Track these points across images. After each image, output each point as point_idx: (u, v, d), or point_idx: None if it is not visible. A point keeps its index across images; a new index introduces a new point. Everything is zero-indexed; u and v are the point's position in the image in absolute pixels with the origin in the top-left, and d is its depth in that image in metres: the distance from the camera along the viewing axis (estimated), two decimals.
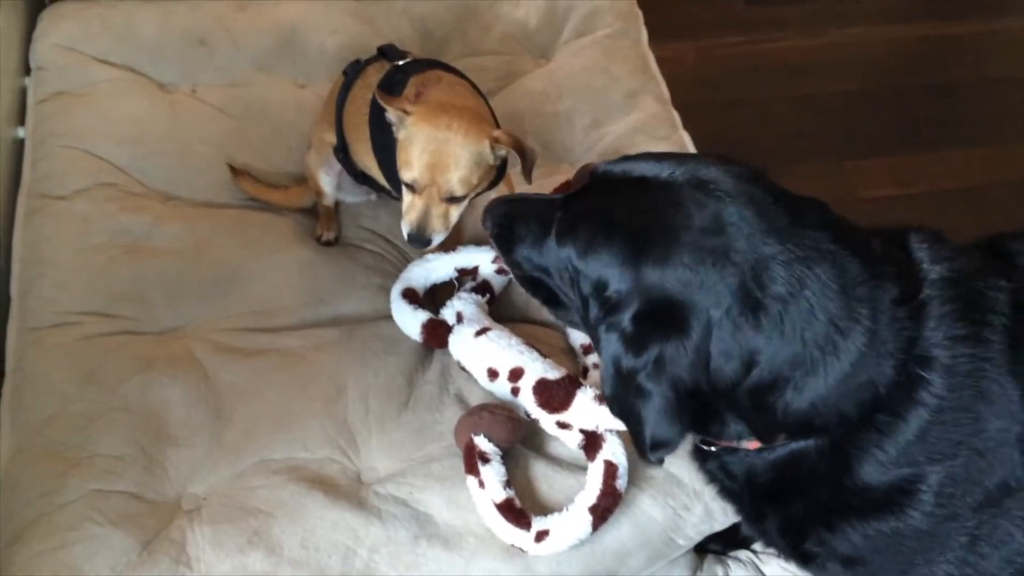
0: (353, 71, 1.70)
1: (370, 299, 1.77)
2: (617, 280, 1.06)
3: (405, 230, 1.49)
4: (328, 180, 1.82)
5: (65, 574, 1.34)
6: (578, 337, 1.67)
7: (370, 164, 1.65)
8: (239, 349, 1.63)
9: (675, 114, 2.19)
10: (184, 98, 2.05)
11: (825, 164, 2.73)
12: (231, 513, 1.42)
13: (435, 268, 1.75)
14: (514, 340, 1.57)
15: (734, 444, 1.15)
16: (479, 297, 1.71)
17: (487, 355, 1.56)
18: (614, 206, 1.10)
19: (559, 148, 2.09)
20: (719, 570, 1.62)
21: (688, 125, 2.15)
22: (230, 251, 1.78)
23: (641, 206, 1.08)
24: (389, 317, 1.70)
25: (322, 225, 1.88)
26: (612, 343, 1.05)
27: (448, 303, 1.69)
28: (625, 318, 1.04)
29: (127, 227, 1.78)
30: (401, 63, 1.61)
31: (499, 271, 1.75)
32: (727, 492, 1.26)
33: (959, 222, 2.52)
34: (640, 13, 2.43)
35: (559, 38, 2.34)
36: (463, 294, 1.71)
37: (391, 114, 1.47)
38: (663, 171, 1.08)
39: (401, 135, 1.47)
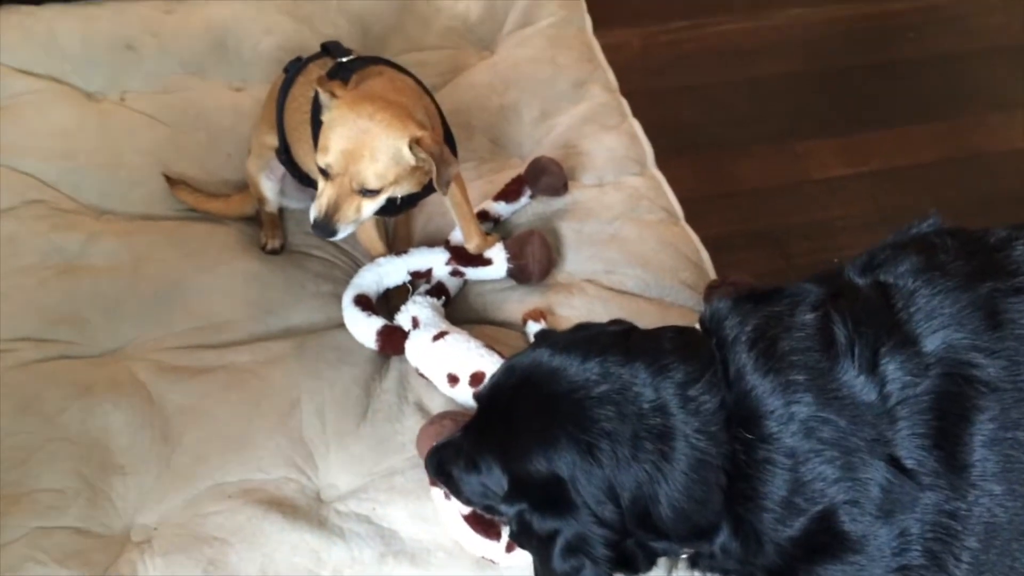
0: (294, 69, 1.64)
1: (321, 308, 1.70)
2: (497, 483, 1.19)
3: (312, 215, 1.42)
4: (270, 185, 1.75)
5: None
6: None
7: (312, 166, 1.58)
8: (184, 368, 1.56)
9: (624, 102, 2.15)
10: (113, 107, 1.96)
11: (776, 147, 2.72)
12: (184, 542, 1.34)
13: (387, 272, 1.69)
14: (473, 343, 1.52)
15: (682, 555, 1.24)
16: (434, 300, 1.66)
17: (446, 360, 1.51)
18: (485, 425, 1.24)
19: (508, 142, 2.04)
20: None
21: (637, 113, 2.12)
22: (170, 265, 1.70)
23: (496, 415, 1.22)
24: (342, 326, 1.64)
25: (266, 233, 1.81)
26: (530, 549, 1.20)
27: (403, 308, 1.63)
28: (525, 505, 1.17)
29: (59, 245, 1.69)
30: (345, 60, 1.55)
31: (454, 273, 1.70)
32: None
33: (913, 198, 2.58)
34: (583, 1, 2.39)
35: (501, 29, 2.29)
36: (418, 298, 1.65)
37: (322, 95, 1.41)
38: (505, 380, 1.23)
39: (325, 117, 1.41)
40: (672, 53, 3.00)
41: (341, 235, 1.43)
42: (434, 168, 1.41)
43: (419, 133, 1.40)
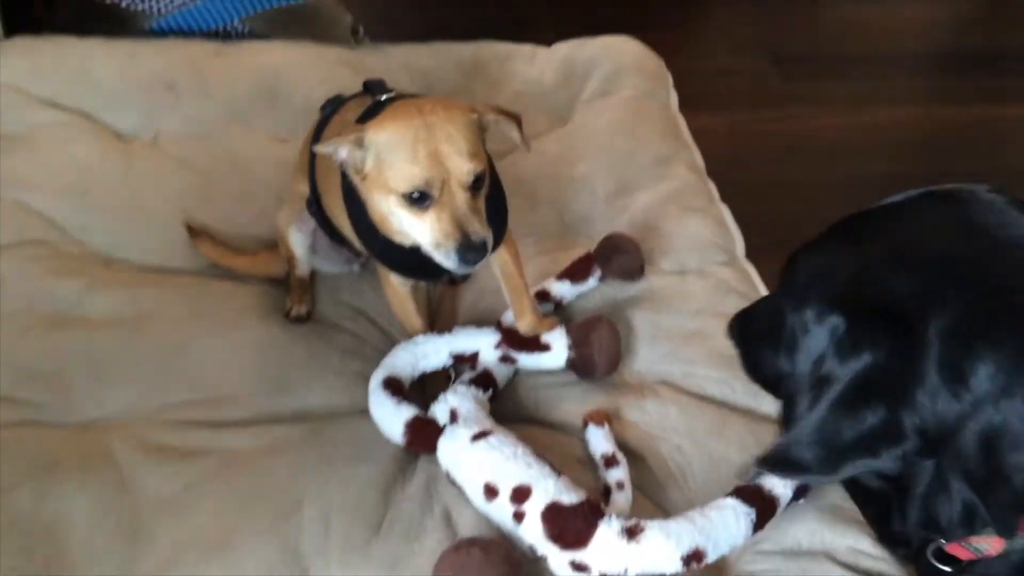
0: (331, 107, 1.42)
1: (344, 389, 1.44)
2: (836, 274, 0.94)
3: (451, 250, 1.16)
4: (300, 239, 1.51)
5: None
6: (598, 446, 1.33)
7: (342, 220, 1.35)
8: (171, 448, 1.29)
9: (711, 185, 1.90)
10: (143, 148, 1.77)
11: None
12: None
13: (426, 353, 1.43)
14: (520, 449, 1.23)
15: (970, 547, 0.92)
16: (479, 391, 1.38)
17: (485, 466, 1.22)
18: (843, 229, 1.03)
19: (577, 218, 1.79)
20: None
21: (723, 201, 1.87)
22: (177, 325, 1.47)
23: (870, 221, 1.00)
24: (366, 413, 1.37)
25: (293, 297, 1.57)
26: (819, 338, 0.92)
27: (440, 397, 1.36)
28: (837, 316, 0.90)
29: (52, 292, 1.47)
30: (384, 97, 1.32)
31: (504, 358, 1.43)
32: None
33: None
34: (669, 75, 2.18)
35: (578, 98, 2.08)
36: (459, 387, 1.38)
37: (342, 151, 1.18)
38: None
39: (369, 164, 1.18)
40: (761, 144, 2.76)
41: (491, 249, 1.19)
42: (515, 124, 1.26)
43: (475, 106, 1.23)
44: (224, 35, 2.13)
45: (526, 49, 2.18)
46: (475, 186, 1.18)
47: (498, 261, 1.41)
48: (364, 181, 1.20)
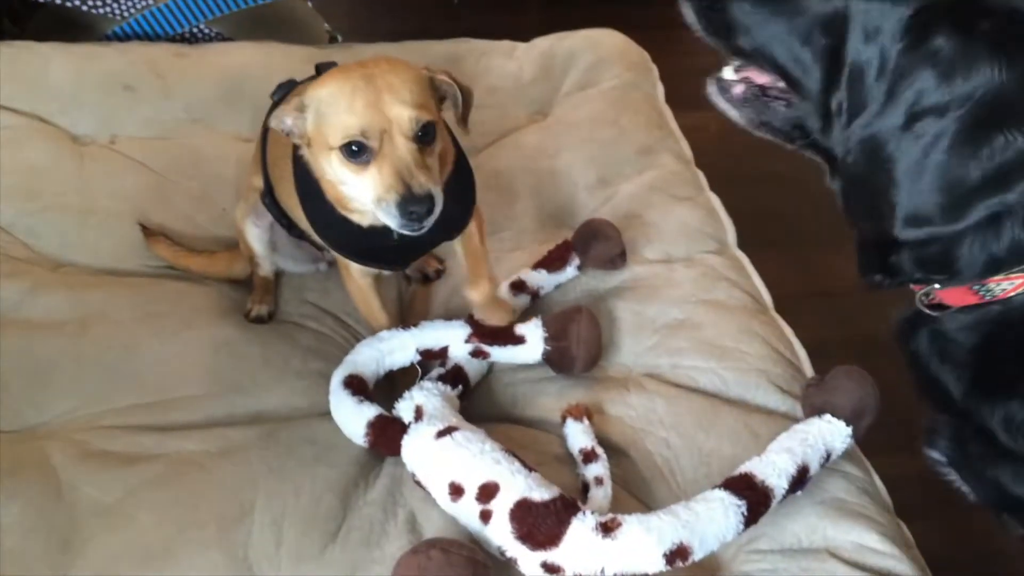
0: (283, 92, 1.33)
1: (305, 390, 1.34)
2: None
3: (392, 204, 1.05)
4: (257, 233, 1.42)
5: None
6: (576, 442, 1.23)
7: (297, 211, 1.26)
8: (114, 454, 1.19)
9: (700, 174, 1.81)
10: (99, 150, 1.69)
11: None
12: None
13: (391, 349, 1.33)
14: (488, 445, 1.13)
15: (979, 290, 0.90)
16: (447, 388, 1.29)
17: (450, 464, 1.12)
18: None
19: (556, 210, 1.69)
20: None
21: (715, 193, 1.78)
22: (125, 327, 1.37)
23: None
24: (327, 415, 1.27)
25: (254, 298, 1.48)
26: (917, 70, 0.81)
27: (405, 394, 1.26)
28: (940, 38, 0.79)
29: None
30: None
31: (475, 353, 1.33)
32: (929, 380, 1.02)
33: None
34: (655, 68, 2.09)
35: (558, 92, 1.99)
36: (426, 383, 1.28)
37: (287, 119, 1.10)
38: None
39: (310, 124, 1.10)
40: (754, 138, 2.66)
41: (439, 206, 1.07)
42: (461, 96, 1.16)
43: (428, 67, 1.14)
44: (190, 39, 2.05)
45: (505, 44, 2.10)
46: (422, 139, 1.08)
47: (463, 242, 1.32)
48: (310, 148, 1.12)
